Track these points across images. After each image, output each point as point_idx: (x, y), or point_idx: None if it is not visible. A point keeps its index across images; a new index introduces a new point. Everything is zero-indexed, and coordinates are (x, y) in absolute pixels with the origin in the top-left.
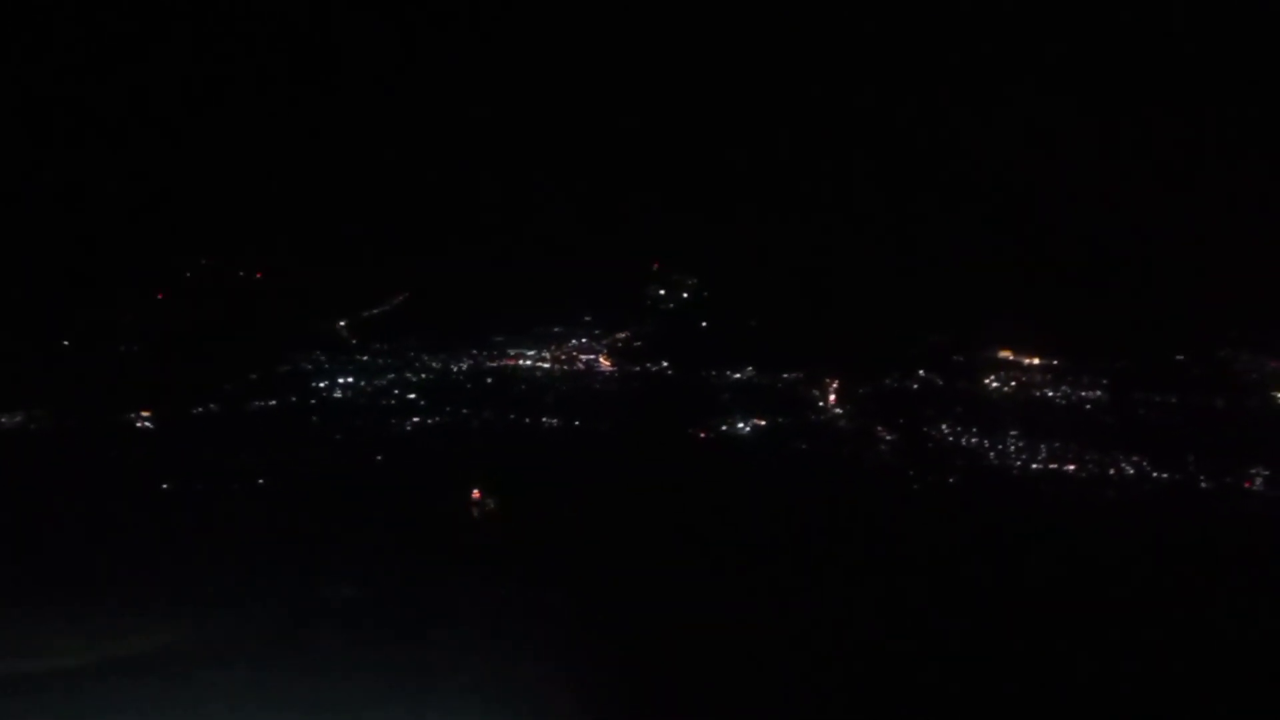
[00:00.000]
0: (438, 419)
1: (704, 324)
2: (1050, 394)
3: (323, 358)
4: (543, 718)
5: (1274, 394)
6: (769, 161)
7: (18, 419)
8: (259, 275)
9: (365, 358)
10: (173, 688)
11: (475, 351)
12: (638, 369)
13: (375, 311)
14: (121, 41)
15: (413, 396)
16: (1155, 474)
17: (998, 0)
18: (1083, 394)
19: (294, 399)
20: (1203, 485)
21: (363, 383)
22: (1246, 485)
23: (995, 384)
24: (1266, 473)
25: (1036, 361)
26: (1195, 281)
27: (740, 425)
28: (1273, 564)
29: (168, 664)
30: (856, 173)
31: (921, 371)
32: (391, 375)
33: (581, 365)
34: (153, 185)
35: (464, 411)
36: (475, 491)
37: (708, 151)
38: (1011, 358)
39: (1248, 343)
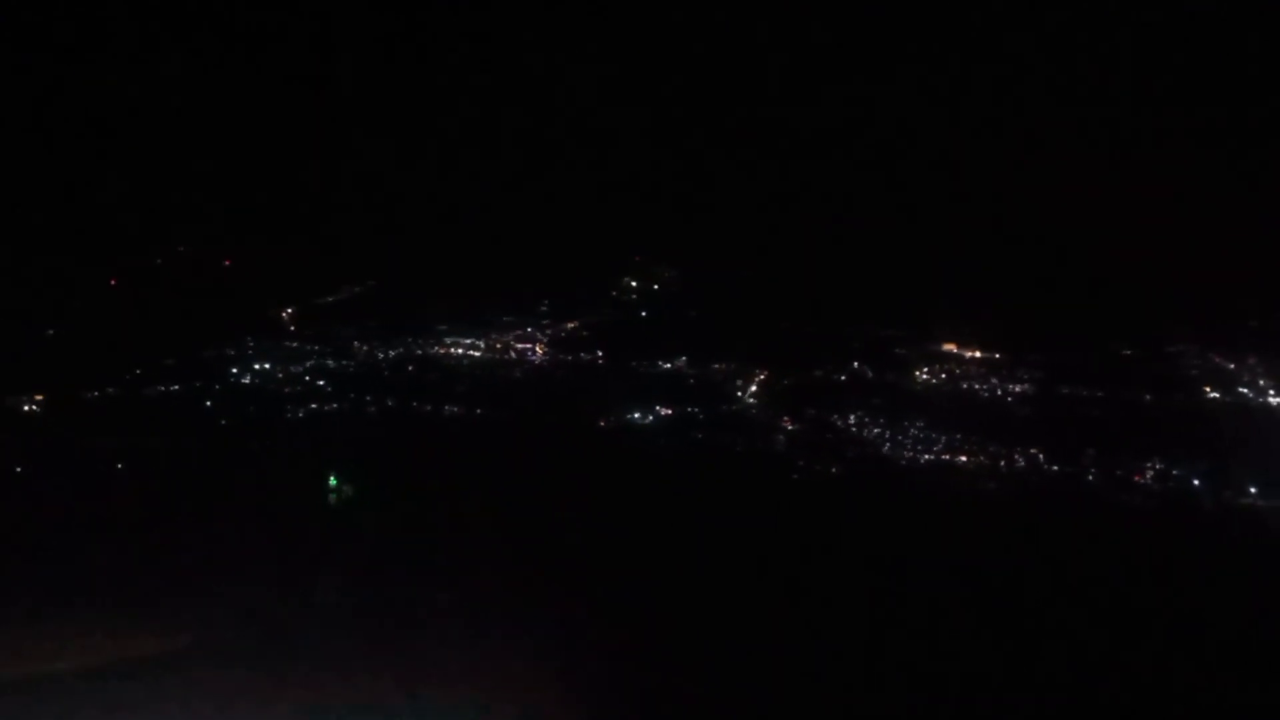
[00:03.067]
0: (334, 406)
1: (644, 314)
2: (978, 387)
3: (251, 344)
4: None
5: (1205, 389)
6: (732, 160)
7: None
8: (225, 263)
9: (294, 344)
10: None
11: (410, 340)
12: (569, 358)
13: (330, 299)
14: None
15: (321, 383)
16: (1047, 466)
17: (944, 5)
18: (1011, 387)
19: (198, 384)
20: (1090, 478)
21: (278, 369)
22: (1136, 479)
23: (925, 377)
24: (1160, 466)
25: (978, 355)
26: (1150, 276)
27: (640, 415)
28: (1145, 555)
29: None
30: (828, 174)
31: (856, 364)
32: (311, 362)
33: (514, 354)
34: (114, 173)
35: (366, 398)
36: (330, 479)
37: (676, 147)
38: (955, 351)
39: (1199, 339)
